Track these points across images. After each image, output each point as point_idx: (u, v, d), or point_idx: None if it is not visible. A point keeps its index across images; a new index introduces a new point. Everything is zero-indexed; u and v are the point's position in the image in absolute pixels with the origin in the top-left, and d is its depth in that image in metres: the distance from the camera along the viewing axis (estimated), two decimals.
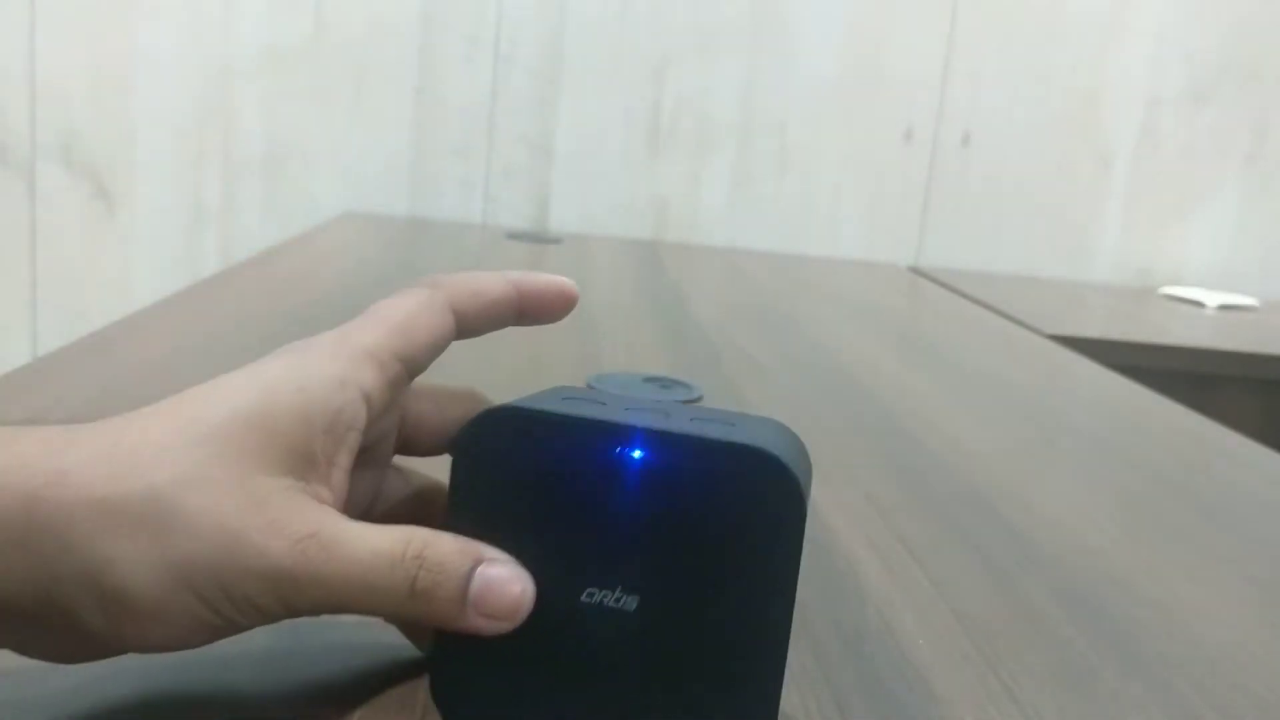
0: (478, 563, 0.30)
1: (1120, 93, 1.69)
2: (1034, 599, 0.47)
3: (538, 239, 1.52)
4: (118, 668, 0.34)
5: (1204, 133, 1.71)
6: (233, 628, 0.29)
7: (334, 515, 0.29)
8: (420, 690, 0.34)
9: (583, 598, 0.31)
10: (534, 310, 0.35)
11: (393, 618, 0.34)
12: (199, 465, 0.28)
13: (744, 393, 0.78)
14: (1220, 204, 1.74)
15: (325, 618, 0.38)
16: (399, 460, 0.37)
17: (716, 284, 1.34)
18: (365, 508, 0.36)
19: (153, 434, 0.28)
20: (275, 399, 0.30)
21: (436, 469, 0.38)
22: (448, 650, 0.32)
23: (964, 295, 1.42)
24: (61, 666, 0.33)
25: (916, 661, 0.40)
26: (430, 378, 0.36)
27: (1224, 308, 1.57)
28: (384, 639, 0.37)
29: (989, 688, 0.39)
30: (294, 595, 0.28)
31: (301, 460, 0.30)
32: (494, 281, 0.34)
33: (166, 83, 1.57)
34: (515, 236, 1.52)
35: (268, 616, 0.29)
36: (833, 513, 0.54)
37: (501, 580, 0.30)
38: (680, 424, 0.31)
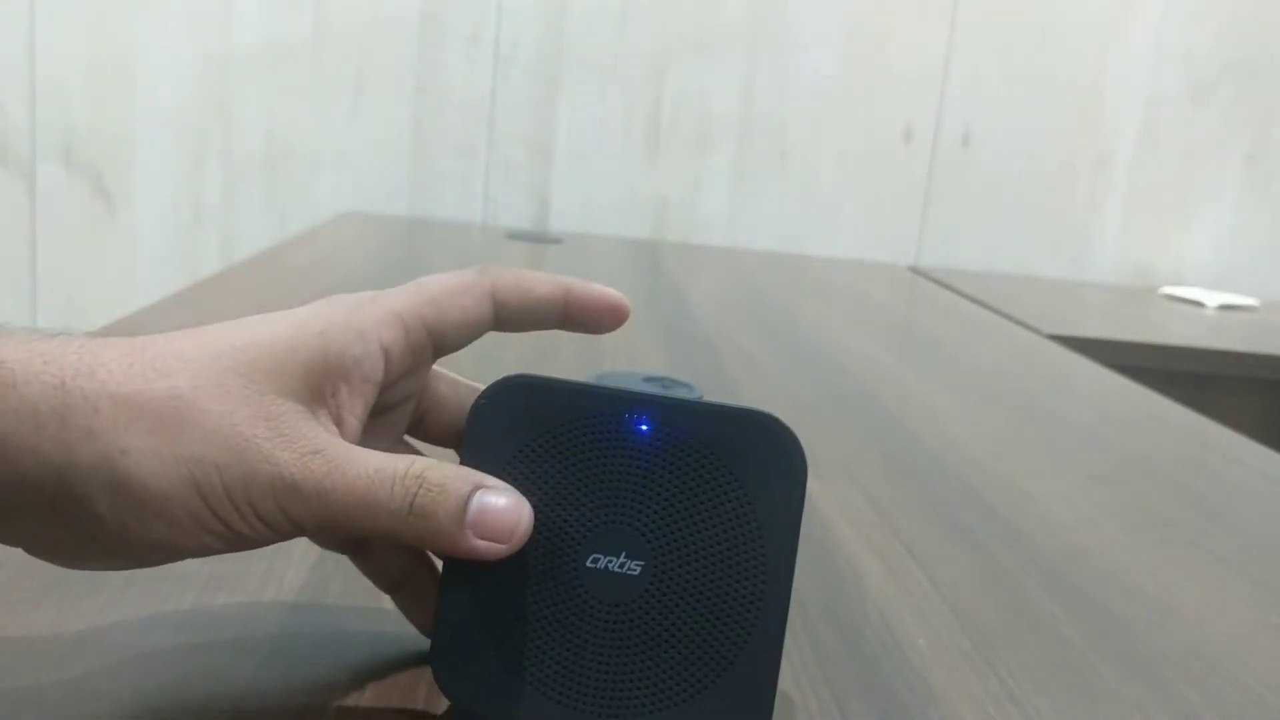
0: (477, 487, 0.30)
1: (1120, 93, 1.69)
2: (1034, 599, 0.47)
3: (538, 239, 1.52)
4: (117, 667, 0.34)
5: (1204, 133, 1.71)
6: (233, 538, 0.30)
7: (339, 438, 0.31)
8: (422, 684, 0.34)
9: (588, 563, 0.32)
10: (581, 318, 0.35)
11: (391, 539, 0.34)
12: (219, 375, 0.30)
13: (744, 392, 0.78)
14: (1220, 204, 1.74)
15: (327, 609, 0.39)
16: (413, 443, 0.38)
17: (716, 284, 1.34)
18: None
19: (177, 346, 0.30)
20: (297, 336, 0.31)
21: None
22: (449, 626, 0.32)
23: (964, 295, 1.42)
24: (65, 661, 0.33)
25: (916, 661, 0.40)
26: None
27: (1224, 308, 1.57)
28: (387, 631, 0.38)
29: (989, 688, 0.39)
30: (296, 505, 0.29)
31: (313, 394, 0.31)
32: (543, 281, 0.35)
33: (166, 82, 1.57)
34: (515, 236, 1.52)
35: (269, 525, 0.29)
36: (833, 512, 0.54)
37: (499, 505, 0.30)
38: (685, 396, 0.32)
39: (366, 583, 0.37)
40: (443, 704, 0.34)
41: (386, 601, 0.38)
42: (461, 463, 0.32)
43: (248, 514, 0.29)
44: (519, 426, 0.32)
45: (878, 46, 1.66)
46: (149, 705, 0.32)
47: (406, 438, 0.37)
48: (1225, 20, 1.68)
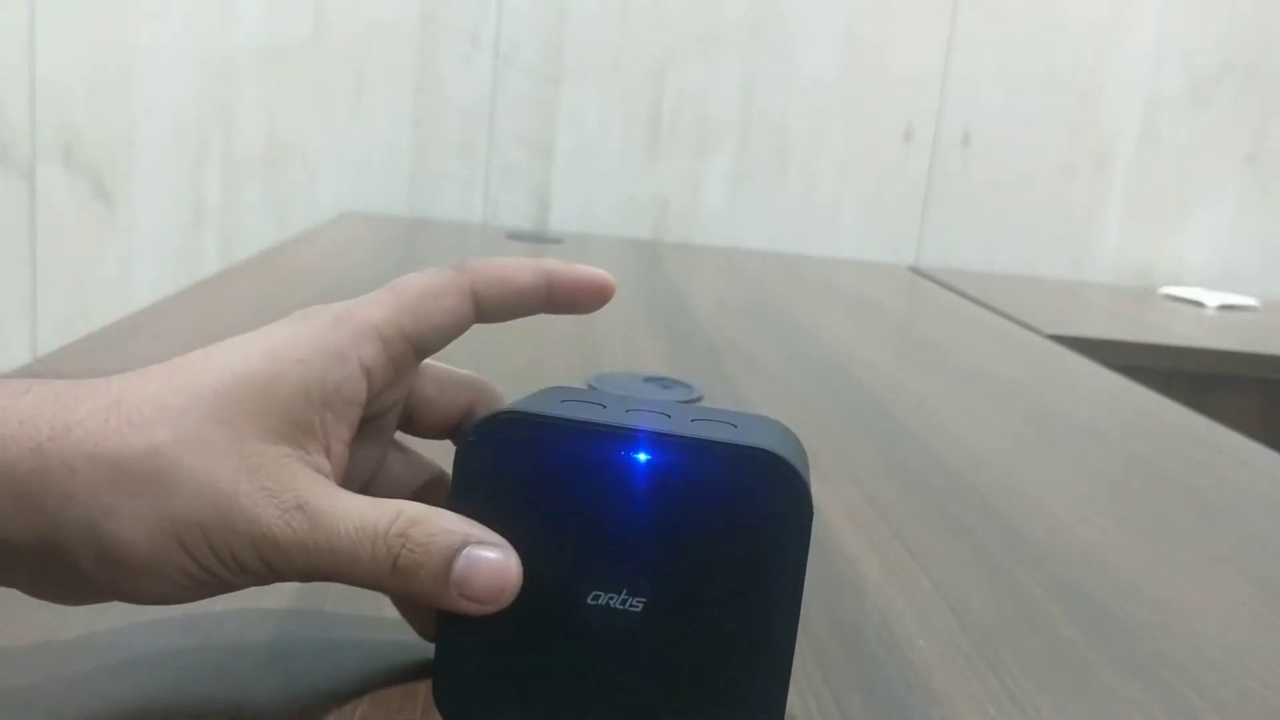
0: (465, 543, 0.30)
1: (1120, 93, 1.69)
2: (1034, 599, 0.47)
3: (538, 239, 1.52)
4: (117, 667, 0.34)
5: (1204, 133, 1.71)
6: (221, 585, 0.30)
7: (325, 486, 0.30)
8: (421, 688, 0.34)
9: (589, 600, 0.31)
10: (566, 301, 0.35)
11: (379, 591, 0.34)
12: (198, 426, 0.29)
13: (744, 392, 0.78)
14: (1220, 204, 1.74)
15: (326, 613, 0.39)
16: (402, 439, 0.37)
17: (716, 284, 1.34)
18: (366, 480, 0.36)
19: (153, 392, 0.29)
20: (275, 368, 0.30)
21: (431, 450, 0.38)
22: (451, 652, 0.32)
23: (964, 295, 1.42)
24: (64, 662, 0.33)
25: (916, 661, 0.40)
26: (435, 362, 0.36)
27: (1224, 308, 1.57)
28: (386, 637, 0.38)
29: (989, 688, 0.39)
30: (279, 561, 0.29)
31: (299, 430, 0.30)
32: (523, 270, 0.34)
33: (167, 82, 1.57)
34: (515, 236, 1.52)
35: (254, 577, 0.29)
36: (833, 513, 0.54)
37: (486, 563, 0.30)
38: (684, 426, 0.31)
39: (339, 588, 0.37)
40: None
41: (385, 607, 0.38)
42: (451, 505, 0.31)
43: (232, 566, 0.29)
44: (511, 464, 0.31)
45: (878, 46, 1.65)
46: (148, 707, 0.32)
47: (400, 438, 0.37)
48: (1225, 20, 1.68)
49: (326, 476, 0.30)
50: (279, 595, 0.39)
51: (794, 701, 0.36)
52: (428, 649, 0.36)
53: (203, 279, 1.00)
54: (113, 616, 0.37)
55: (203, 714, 0.32)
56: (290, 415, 0.30)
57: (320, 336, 0.31)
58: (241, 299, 0.93)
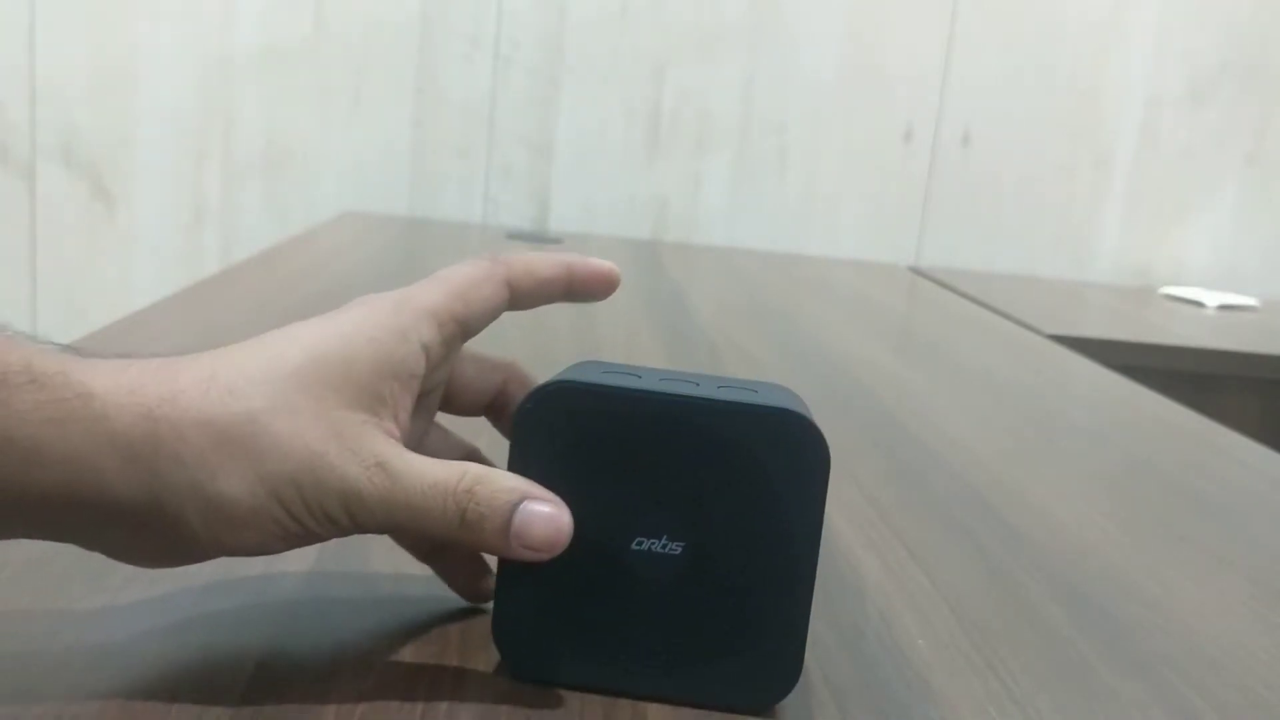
0: (523, 499, 0.33)
1: (1120, 93, 1.69)
2: (1034, 599, 0.47)
3: (538, 239, 1.52)
4: (138, 635, 0.35)
5: (1204, 133, 1.71)
6: (309, 536, 0.33)
7: (399, 448, 0.33)
8: (437, 636, 0.35)
9: (633, 546, 0.35)
10: (582, 291, 0.40)
11: (444, 542, 0.38)
12: (288, 396, 0.32)
13: None
14: (1220, 204, 1.74)
15: (352, 570, 0.41)
16: (441, 419, 0.41)
17: (716, 284, 1.34)
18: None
19: (245, 367, 0.33)
20: (350, 346, 0.34)
21: (464, 428, 0.41)
22: (509, 597, 0.35)
23: (964, 295, 1.42)
24: (96, 619, 0.36)
25: (916, 661, 0.40)
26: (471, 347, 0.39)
27: (1224, 308, 1.57)
28: (411, 592, 0.39)
29: (989, 688, 0.39)
30: (362, 513, 0.32)
31: (373, 400, 0.34)
32: (548, 263, 0.39)
33: (167, 82, 1.57)
34: (515, 236, 1.52)
35: (338, 529, 0.33)
36: (833, 513, 0.54)
37: (541, 517, 0.33)
38: (713, 391, 0.35)
39: (378, 550, 0.38)
40: (439, 657, 0.34)
41: (385, 565, 0.38)
42: (510, 466, 0.35)
43: (321, 519, 0.32)
44: (563, 429, 0.35)
45: (878, 46, 1.65)
46: (177, 659, 0.33)
47: (437, 418, 0.40)
48: (1225, 20, 1.68)
49: (397, 440, 0.34)
50: (289, 560, 0.40)
51: (794, 701, 0.36)
52: (448, 603, 0.39)
53: (203, 279, 1.00)
54: (136, 588, 0.38)
55: (233, 670, 0.33)
56: (366, 386, 0.33)
57: (385, 318, 0.35)
58: (241, 299, 0.93)
